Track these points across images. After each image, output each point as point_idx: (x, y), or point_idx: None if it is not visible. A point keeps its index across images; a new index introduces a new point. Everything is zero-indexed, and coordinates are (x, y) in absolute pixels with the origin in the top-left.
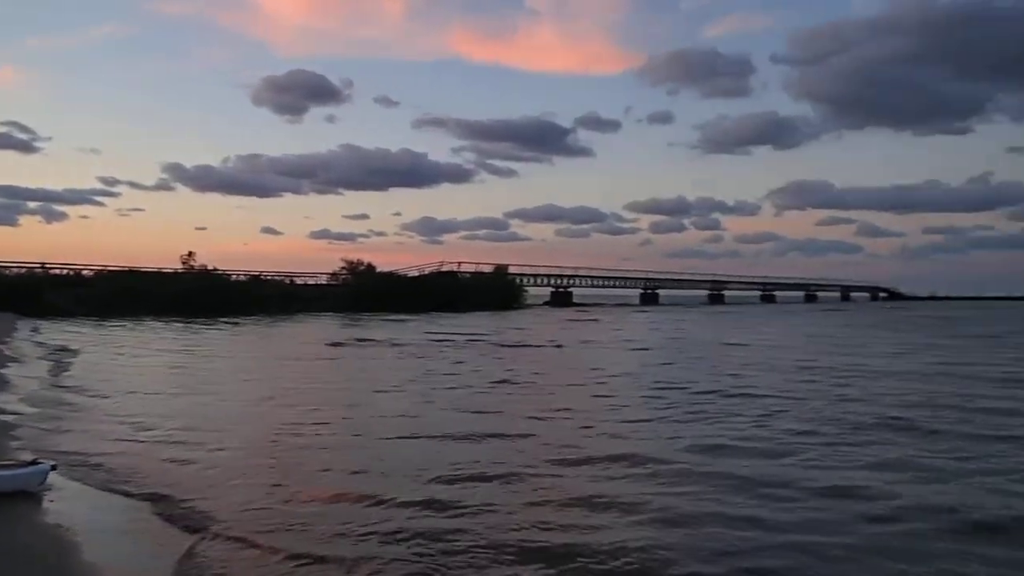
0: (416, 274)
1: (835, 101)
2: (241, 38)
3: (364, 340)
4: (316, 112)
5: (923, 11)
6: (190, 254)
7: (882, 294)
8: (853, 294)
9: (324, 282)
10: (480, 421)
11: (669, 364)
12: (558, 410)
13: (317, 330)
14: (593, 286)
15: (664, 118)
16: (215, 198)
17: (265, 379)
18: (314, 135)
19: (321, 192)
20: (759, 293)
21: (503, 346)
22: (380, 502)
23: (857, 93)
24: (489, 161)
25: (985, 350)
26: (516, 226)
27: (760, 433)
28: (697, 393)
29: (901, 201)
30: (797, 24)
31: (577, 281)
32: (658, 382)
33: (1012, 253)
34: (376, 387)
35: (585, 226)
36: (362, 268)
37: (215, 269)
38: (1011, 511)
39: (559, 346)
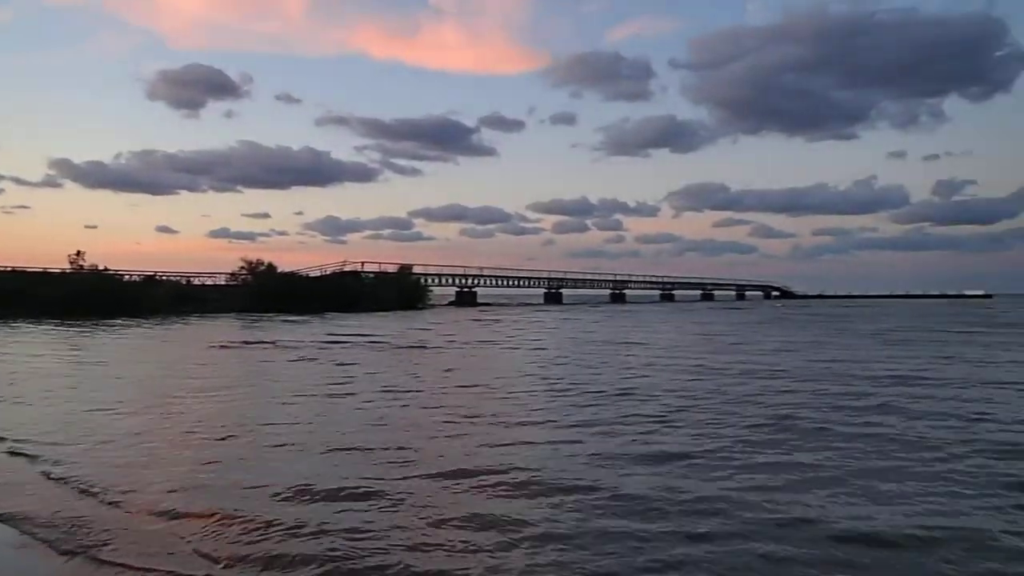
0: (318, 274)
1: (731, 106)
2: (136, 29)
3: (255, 342)
4: (214, 107)
5: (814, 21)
6: (79, 253)
7: (775, 293)
8: (748, 293)
9: (223, 282)
10: (368, 431)
11: (569, 364)
12: (452, 416)
13: (209, 332)
14: (498, 286)
15: (567, 119)
16: (106, 195)
17: (133, 384)
18: (212, 131)
19: (220, 190)
20: (659, 292)
21: (402, 348)
22: (229, 520)
23: (752, 98)
24: (393, 160)
25: (874, 347)
26: (420, 226)
27: (655, 439)
28: (595, 394)
29: (793, 203)
30: (696, 30)
31: (482, 281)
32: (556, 384)
33: (894, 253)
34: (259, 393)
35: (490, 226)
36: (262, 268)
37: (106, 269)
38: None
39: (461, 347)
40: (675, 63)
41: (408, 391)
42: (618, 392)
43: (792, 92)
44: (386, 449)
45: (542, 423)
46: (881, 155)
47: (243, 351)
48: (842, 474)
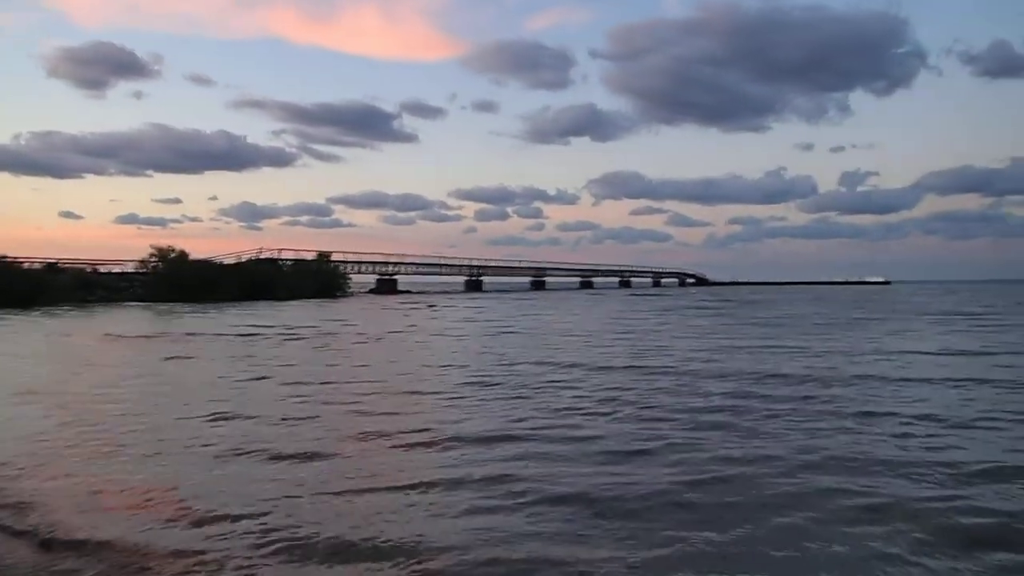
0: (234, 261)
1: (650, 96)
2: (35, 4)
3: (159, 334)
4: (122, 88)
5: (728, 15)
6: None
7: (690, 280)
8: (664, 280)
9: (132, 270)
10: (276, 433)
11: (488, 352)
12: (365, 412)
13: (110, 322)
14: (419, 273)
15: (489, 107)
16: (4, 179)
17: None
18: (119, 113)
19: (128, 174)
20: (578, 280)
21: (318, 336)
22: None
23: (670, 90)
24: (312, 145)
25: (792, 333)
26: (340, 212)
27: (568, 434)
28: (511, 388)
29: (707, 192)
30: (614, 21)
31: (402, 268)
32: (475, 374)
33: (802, 241)
34: (157, 389)
35: (410, 213)
36: (174, 255)
37: (3, 257)
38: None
39: (375, 337)
40: (595, 53)
41: (328, 381)
42: (541, 383)
43: (708, 84)
44: (313, 455)
45: (459, 421)
46: (790, 147)
47: (141, 344)
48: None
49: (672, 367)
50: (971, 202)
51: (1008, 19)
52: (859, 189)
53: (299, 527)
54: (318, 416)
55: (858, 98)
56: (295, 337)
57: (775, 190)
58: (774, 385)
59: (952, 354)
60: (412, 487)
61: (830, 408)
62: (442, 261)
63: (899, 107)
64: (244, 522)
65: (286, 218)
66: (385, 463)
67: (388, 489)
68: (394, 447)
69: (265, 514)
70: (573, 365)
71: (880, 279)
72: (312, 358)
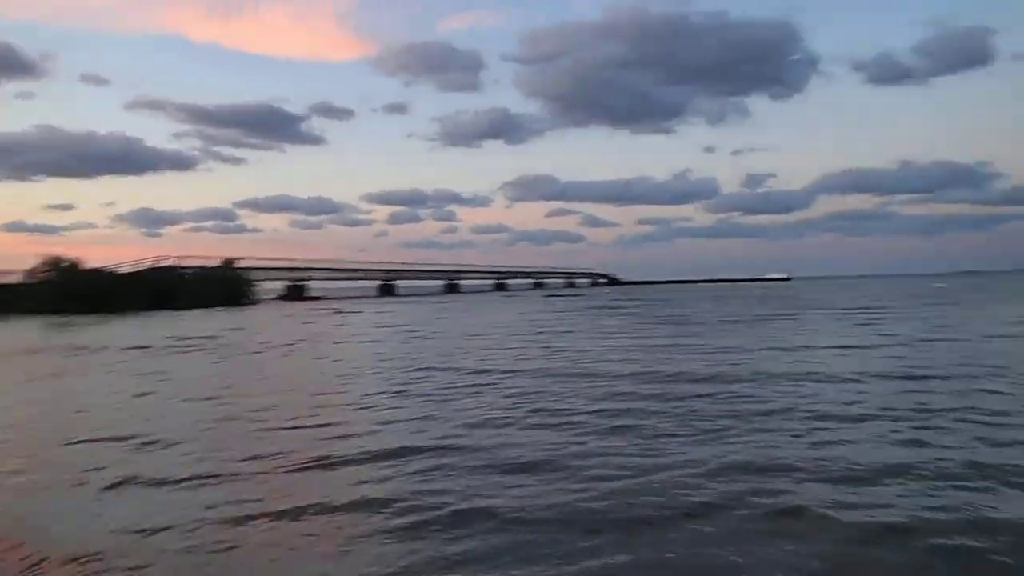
0: (130, 270)
1: (561, 99)
2: None
3: (43, 348)
4: (6, 88)
5: (635, 20)
6: None
7: (601, 280)
8: (577, 281)
9: (18, 281)
10: (163, 457)
11: (399, 359)
12: (263, 428)
13: None
14: (330, 279)
15: (400, 109)
16: None
17: None
18: (3, 114)
19: (14, 179)
20: (493, 282)
21: (217, 347)
22: None
23: (580, 93)
24: (215, 148)
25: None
26: (246, 217)
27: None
28: (417, 397)
29: (618, 194)
30: (525, 24)
31: (313, 274)
32: (381, 383)
33: (707, 241)
34: (29, 410)
35: (320, 217)
36: (65, 264)
37: None
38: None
39: (283, 344)
40: (506, 56)
41: (227, 398)
42: (454, 392)
43: (617, 87)
44: (210, 479)
45: (360, 435)
46: (696, 149)
47: (21, 360)
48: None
49: (584, 370)
50: (863, 202)
51: (893, 30)
52: (759, 190)
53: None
54: (211, 432)
55: (757, 102)
56: (192, 348)
57: (682, 191)
58: (684, 385)
59: (855, 347)
60: (305, 511)
61: (738, 408)
62: (354, 266)
63: (795, 111)
64: (120, 561)
65: (189, 224)
66: (282, 485)
67: (278, 515)
68: (292, 467)
69: (147, 552)
70: (483, 371)
71: (781, 276)
72: (208, 371)
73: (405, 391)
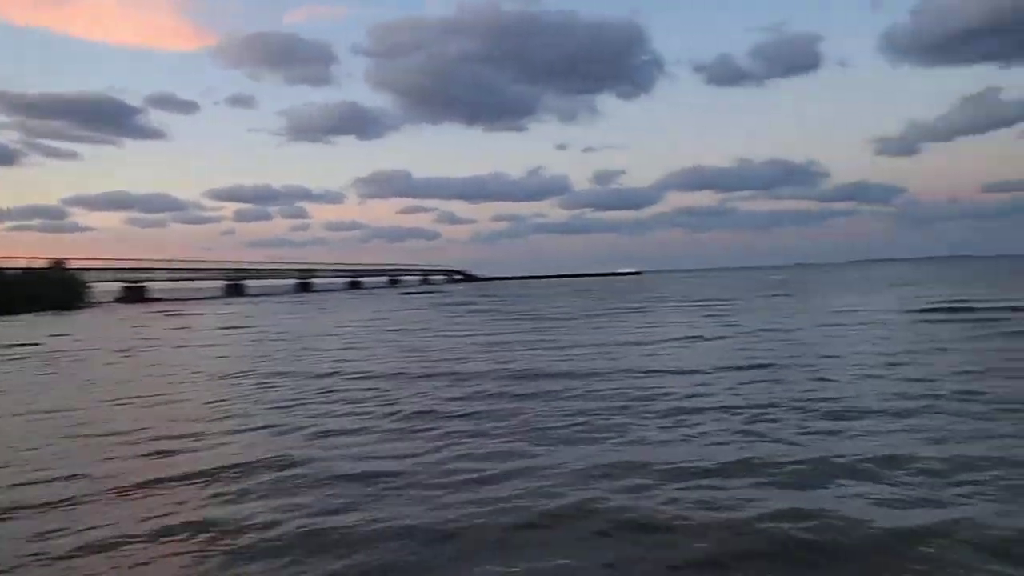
0: None
1: (414, 94)
2: None
3: None
4: None
5: (487, 16)
6: None
7: (457, 276)
8: (433, 277)
9: None
10: None
11: (243, 363)
12: (87, 446)
13: None
14: (172, 279)
15: (246, 102)
16: None
17: None
18: None
19: None
20: (347, 280)
21: (44, 357)
22: None
23: (433, 88)
24: (40, 141)
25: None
26: (77, 215)
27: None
28: (256, 404)
29: (473, 191)
30: (376, 17)
31: (154, 275)
32: (218, 390)
33: (562, 237)
34: None
35: (162, 215)
36: None
37: None
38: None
39: (122, 351)
40: (357, 49)
41: (49, 412)
42: (302, 399)
43: (470, 84)
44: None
45: (190, 450)
46: (549, 146)
47: None
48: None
49: (441, 370)
50: (707, 198)
51: (731, 34)
52: (610, 187)
53: None
54: (31, 452)
55: (607, 101)
56: (14, 358)
57: (536, 188)
58: (542, 383)
59: (707, 339)
60: (136, 538)
61: (593, 405)
62: (199, 265)
63: (643, 110)
64: None
65: (12, 223)
66: (107, 509)
67: (101, 545)
68: (120, 488)
69: None
70: (334, 374)
71: (633, 270)
72: (30, 382)
73: (247, 398)
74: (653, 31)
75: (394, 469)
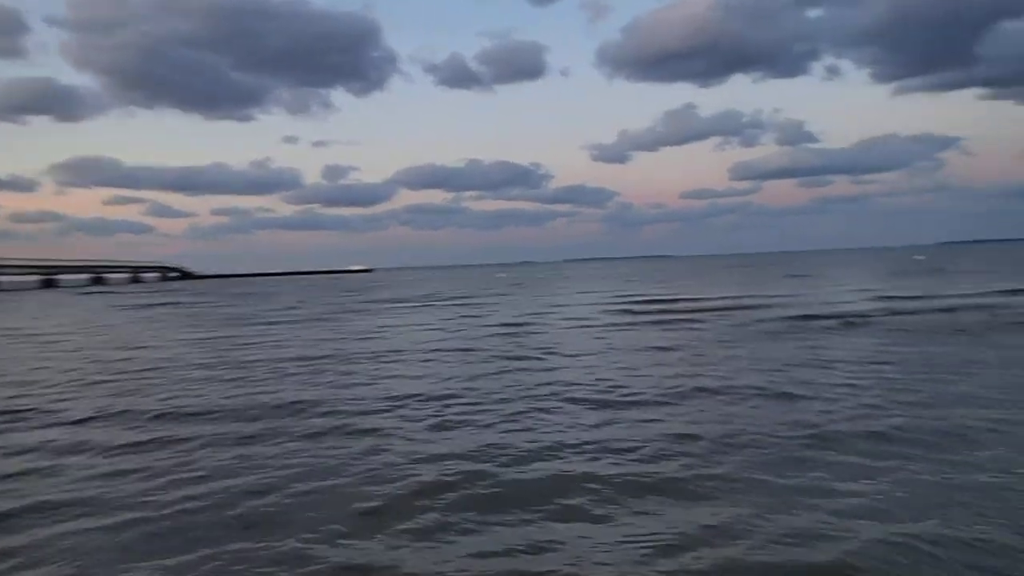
0: None
1: (122, 74)
2: None
3: None
4: None
5: None
6: None
7: (173, 274)
8: (144, 275)
9: None
10: None
11: None
12: None
13: None
14: None
15: None
16: None
17: None
18: None
19: None
20: (39, 278)
21: None
22: None
23: (146, 70)
24: None
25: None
26: None
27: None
28: None
29: (191, 182)
30: None
31: None
32: None
33: (290, 233)
34: None
35: None
36: None
37: None
38: None
39: None
40: (52, 20)
41: None
42: None
43: (188, 67)
44: None
45: None
46: (277, 138)
47: None
48: None
49: (140, 388)
50: (437, 197)
51: (461, 37)
52: (342, 182)
53: None
54: None
55: (339, 95)
56: None
57: (262, 181)
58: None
59: (450, 333)
60: None
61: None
62: None
63: (377, 107)
64: None
65: None
66: None
67: None
68: None
69: None
70: None
71: (363, 267)
72: None
73: None
74: (387, 27)
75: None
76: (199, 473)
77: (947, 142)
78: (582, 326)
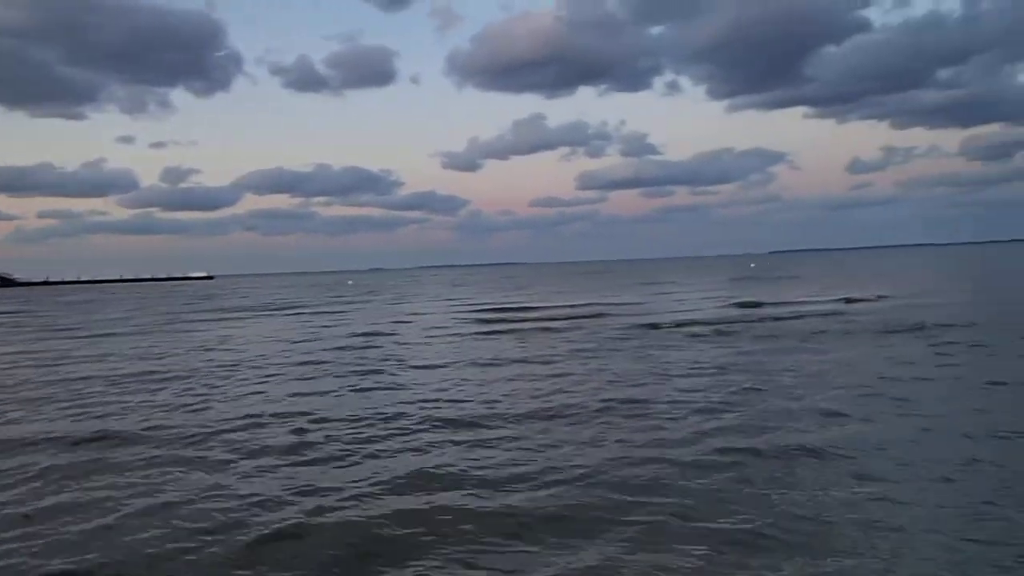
0: None
1: None
2: None
3: None
4: None
5: None
6: None
7: None
8: None
9: None
10: None
11: None
12: None
13: None
14: None
15: None
16: None
17: None
18: None
19: None
20: None
21: None
22: None
23: None
24: None
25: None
26: None
27: None
28: None
29: (15, 182)
30: None
31: None
32: None
33: (125, 237)
34: None
35: None
36: None
37: None
38: None
39: None
40: None
41: None
42: None
43: (11, 59)
44: None
45: None
46: (111, 138)
47: None
48: None
49: None
50: (285, 202)
51: (309, 40)
52: (182, 185)
53: None
54: None
55: (180, 96)
56: None
57: (95, 183)
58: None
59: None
60: None
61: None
62: None
63: (220, 109)
64: None
65: None
66: None
67: None
68: None
69: None
70: None
71: (204, 274)
72: None
73: None
74: (230, 27)
75: None
76: None
77: (776, 157)
78: (432, 337)
